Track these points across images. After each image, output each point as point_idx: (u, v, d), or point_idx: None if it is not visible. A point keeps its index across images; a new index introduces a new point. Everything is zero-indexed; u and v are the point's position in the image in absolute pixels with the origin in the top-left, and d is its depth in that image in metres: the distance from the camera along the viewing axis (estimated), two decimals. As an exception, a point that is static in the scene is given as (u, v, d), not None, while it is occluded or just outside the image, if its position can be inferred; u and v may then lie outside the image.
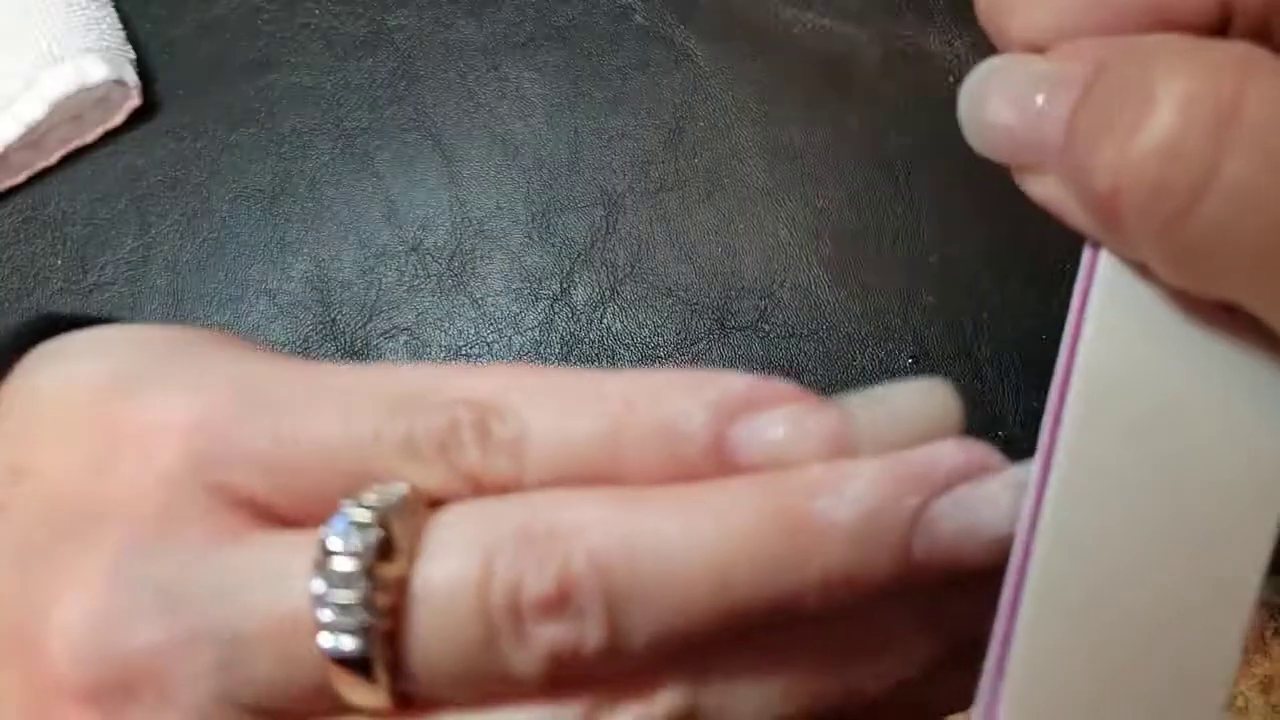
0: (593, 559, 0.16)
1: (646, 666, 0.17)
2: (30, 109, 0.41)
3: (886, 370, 0.40)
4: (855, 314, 0.41)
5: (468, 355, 0.41)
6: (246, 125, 0.44)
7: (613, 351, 0.41)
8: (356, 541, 0.16)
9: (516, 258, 0.42)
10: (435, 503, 0.18)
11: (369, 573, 0.16)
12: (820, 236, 0.42)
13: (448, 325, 0.41)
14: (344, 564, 0.16)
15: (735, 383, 0.18)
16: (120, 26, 0.44)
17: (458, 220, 0.43)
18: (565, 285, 0.42)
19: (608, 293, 0.42)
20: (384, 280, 0.42)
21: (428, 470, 0.17)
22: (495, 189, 0.43)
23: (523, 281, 0.42)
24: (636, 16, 0.45)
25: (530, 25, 0.45)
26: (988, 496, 0.17)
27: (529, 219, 0.43)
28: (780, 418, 0.18)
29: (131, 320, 0.42)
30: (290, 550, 0.17)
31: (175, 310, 0.41)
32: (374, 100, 0.44)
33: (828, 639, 0.18)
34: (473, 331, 0.41)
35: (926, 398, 0.18)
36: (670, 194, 0.43)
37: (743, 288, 0.42)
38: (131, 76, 0.43)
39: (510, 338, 0.41)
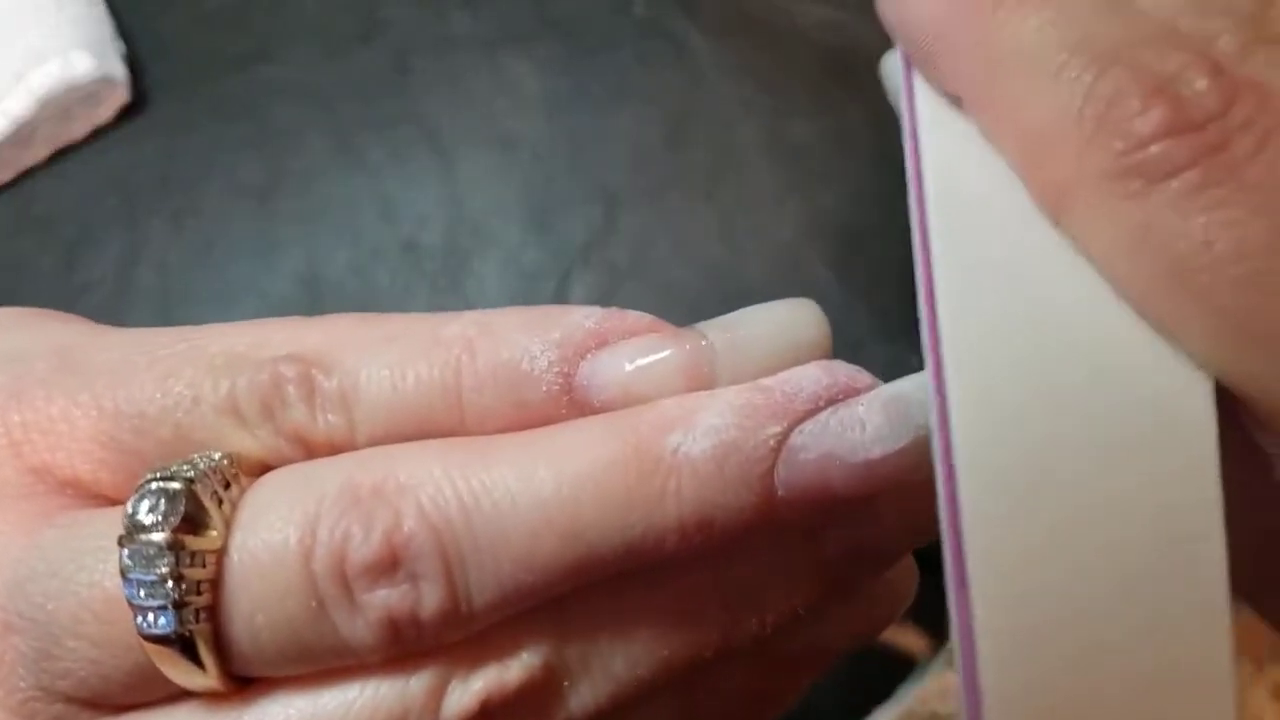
0: (424, 515, 0.15)
1: (501, 626, 0.16)
2: (18, 105, 0.41)
3: (894, 371, 0.39)
4: (861, 313, 0.40)
5: (463, 356, 0.40)
6: (237, 121, 0.43)
7: (611, 352, 0.40)
8: (161, 512, 0.15)
9: (513, 256, 0.41)
10: (266, 468, 0.17)
11: (178, 545, 0.15)
12: (824, 235, 0.41)
13: (442, 325, 0.40)
14: (150, 537, 0.15)
15: (583, 317, 0.17)
16: (109, 21, 0.43)
17: (453, 218, 0.42)
18: (563, 284, 0.41)
19: (607, 292, 0.41)
20: (377, 279, 0.41)
21: (254, 433, 0.16)
22: (491, 186, 0.42)
23: (520, 281, 0.41)
24: (636, 9, 0.44)
25: (527, 18, 0.44)
26: (854, 419, 0.16)
27: (526, 216, 0.42)
28: (630, 351, 0.17)
29: (120, 319, 0.41)
30: (100, 527, 0.16)
31: (164, 309, 0.41)
32: (367, 95, 0.43)
33: (701, 582, 0.17)
34: (468, 332, 0.40)
35: (789, 319, 0.17)
36: (671, 191, 0.42)
37: (745, 287, 0.41)
38: (120, 72, 0.42)
39: (507, 338, 0.40)
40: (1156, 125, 0.14)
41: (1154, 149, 0.14)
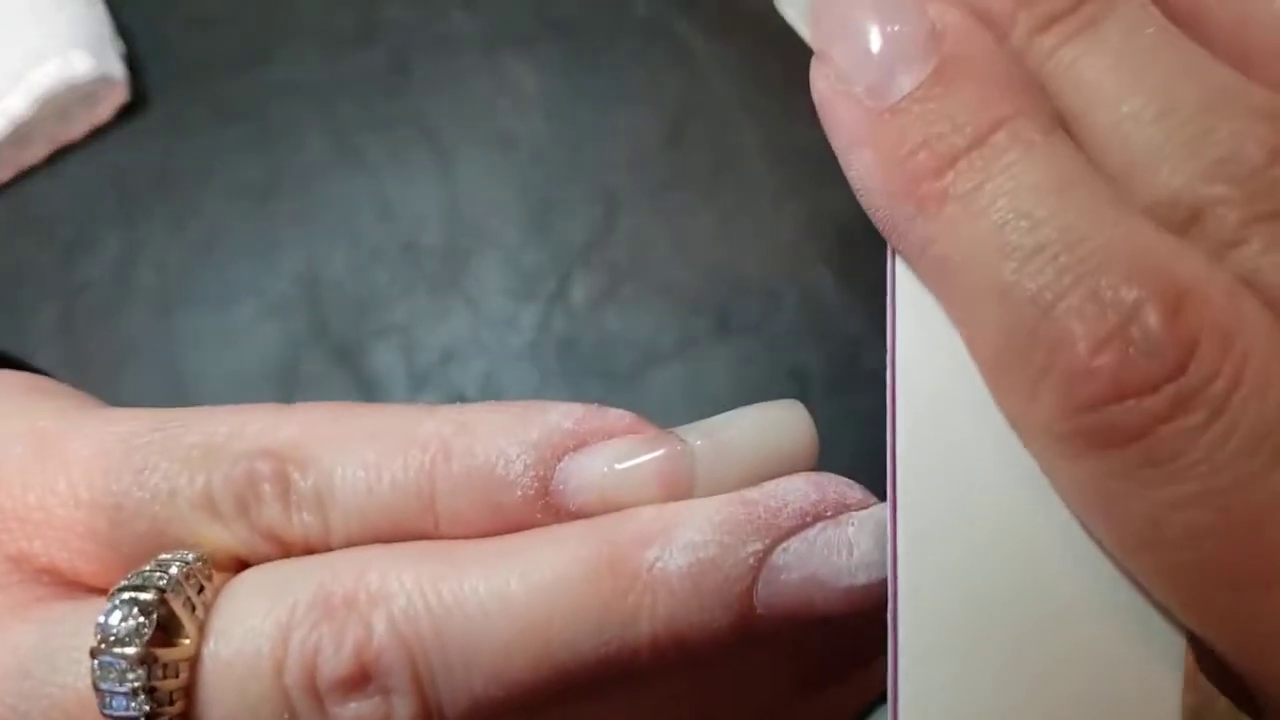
0: (395, 629, 0.15)
1: None
2: (17, 105, 0.41)
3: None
4: (860, 315, 0.40)
5: (461, 356, 0.40)
6: (236, 121, 0.43)
7: (611, 353, 0.40)
8: (133, 623, 0.15)
9: (513, 256, 0.41)
10: (240, 563, 0.16)
11: (150, 659, 0.15)
12: (824, 236, 0.41)
13: (441, 325, 0.40)
14: (123, 650, 0.15)
15: (561, 417, 0.16)
16: (108, 20, 0.43)
17: (452, 218, 0.42)
18: (563, 285, 0.41)
19: (606, 293, 0.41)
20: (376, 279, 0.41)
21: (229, 528, 0.16)
22: (491, 186, 0.42)
23: (519, 281, 0.41)
24: (637, 9, 0.44)
25: (527, 18, 0.44)
26: (842, 541, 0.15)
27: (525, 217, 0.42)
28: (608, 454, 0.16)
29: (119, 319, 0.41)
30: (76, 624, 0.16)
31: (163, 309, 0.40)
32: (366, 95, 0.43)
33: (676, 686, 0.17)
34: (467, 332, 0.40)
35: (775, 425, 0.17)
36: (671, 192, 0.42)
37: (745, 288, 0.41)
38: (119, 72, 0.42)
39: (506, 338, 0.40)
40: (1101, 388, 0.13)
41: (1097, 415, 0.13)
